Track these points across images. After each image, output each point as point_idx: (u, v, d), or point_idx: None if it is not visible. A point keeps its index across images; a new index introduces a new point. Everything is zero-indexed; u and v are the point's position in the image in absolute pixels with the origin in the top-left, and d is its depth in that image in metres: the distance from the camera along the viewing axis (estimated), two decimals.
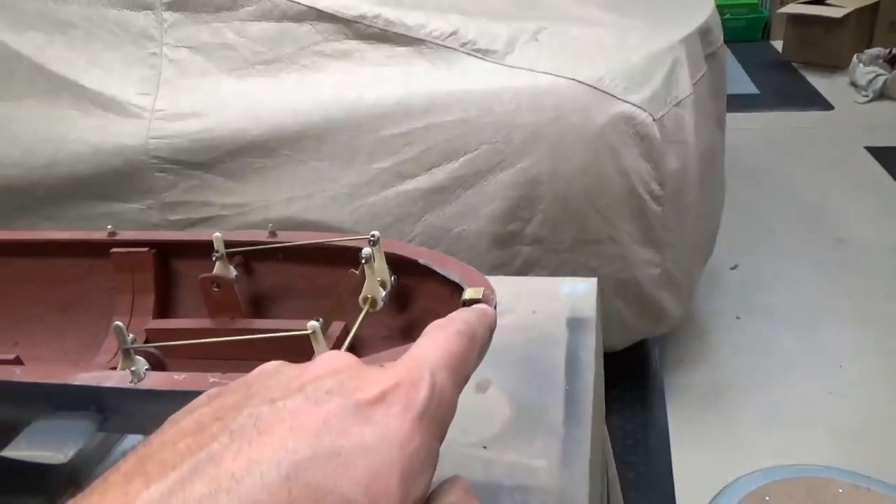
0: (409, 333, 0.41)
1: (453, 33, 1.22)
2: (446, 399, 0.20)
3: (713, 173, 1.52)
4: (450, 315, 0.24)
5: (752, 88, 3.38)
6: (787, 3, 3.60)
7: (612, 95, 1.16)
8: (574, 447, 0.39)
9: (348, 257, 0.40)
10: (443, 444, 0.19)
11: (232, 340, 0.35)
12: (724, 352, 1.65)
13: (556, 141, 1.15)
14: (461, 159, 1.17)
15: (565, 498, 0.36)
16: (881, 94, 3.09)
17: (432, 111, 1.17)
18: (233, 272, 0.44)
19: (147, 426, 0.20)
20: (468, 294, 0.32)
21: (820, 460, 0.75)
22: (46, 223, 1.27)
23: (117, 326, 0.32)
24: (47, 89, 1.26)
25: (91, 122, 1.24)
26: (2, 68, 1.27)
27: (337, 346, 0.38)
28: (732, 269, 1.95)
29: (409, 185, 1.19)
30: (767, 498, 0.66)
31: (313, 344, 0.31)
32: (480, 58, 1.21)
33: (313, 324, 0.31)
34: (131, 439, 0.43)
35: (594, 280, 0.54)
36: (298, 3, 1.23)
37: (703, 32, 1.42)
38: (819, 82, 3.36)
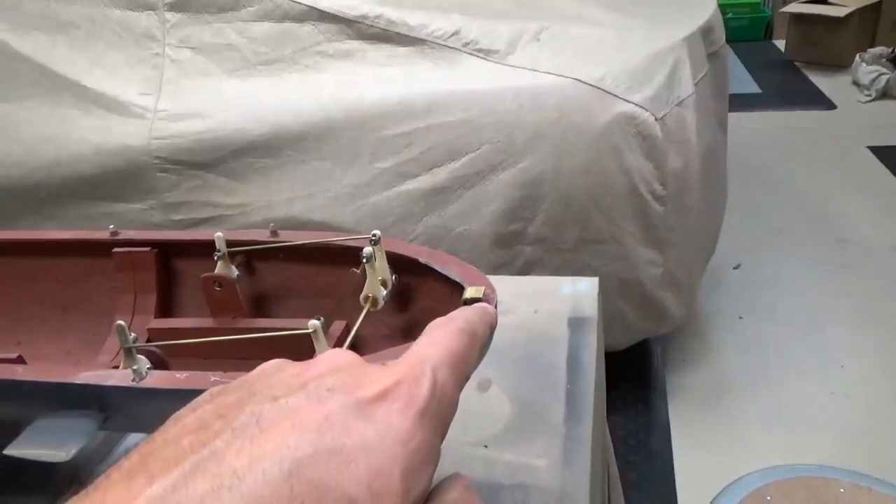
0: (410, 332, 0.41)
1: (455, 33, 1.22)
2: (447, 396, 0.20)
3: (715, 173, 1.52)
4: (451, 314, 0.24)
5: (754, 88, 3.38)
6: (790, 3, 3.60)
7: (614, 95, 1.16)
8: (575, 446, 0.39)
9: (349, 257, 0.40)
10: (443, 443, 0.19)
11: (233, 339, 0.35)
12: (726, 352, 1.65)
13: (558, 140, 1.15)
14: (463, 159, 1.17)
15: (566, 497, 0.36)
16: (884, 94, 3.08)
17: (434, 111, 1.17)
18: (234, 272, 0.44)
19: (149, 425, 0.20)
20: (469, 293, 0.32)
21: (821, 460, 0.75)
22: (49, 223, 1.28)
23: (119, 325, 0.32)
24: (50, 90, 1.26)
25: (93, 123, 1.24)
26: (4, 69, 1.28)
27: (338, 344, 0.38)
28: (735, 268, 1.95)
29: (411, 184, 1.19)
30: (769, 497, 0.66)
31: (314, 343, 0.31)
32: (482, 58, 1.21)
33: (314, 323, 0.31)
34: (133, 438, 0.43)
35: (595, 279, 0.54)
36: (300, 3, 1.23)
37: (705, 32, 1.42)
38: (822, 81, 3.36)
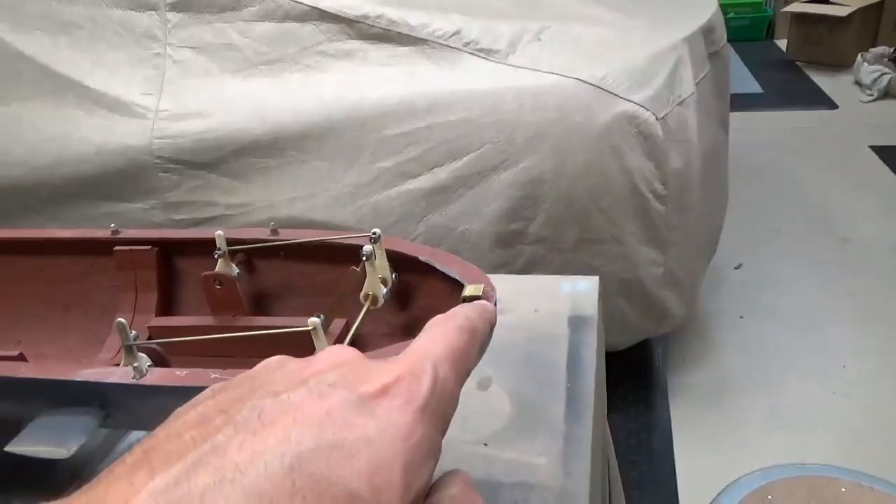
0: (410, 330, 0.41)
1: (456, 33, 1.22)
2: (448, 392, 0.20)
3: (716, 172, 1.52)
4: (450, 311, 0.24)
5: (756, 87, 3.37)
6: (792, 2, 3.59)
7: (615, 94, 1.16)
8: (575, 445, 0.39)
9: (350, 255, 0.40)
10: (443, 441, 0.19)
11: (233, 337, 0.35)
12: (727, 351, 1.65)
13: (558, 140, 1.15)
14: (464, 159, 1.17)
15: (566, 495, 0.36)
16: (886, 93, 3.08)
17: (435, 111, 1.17)
18: (235, 270, 0.44)
19: (150, 422, 0.21)
20: (468, 291, 0.32)
21: (823, 459, 0.75)
22: (50, 223, 1.28)
23: (120, 323, 0.32)
24: (52, 90, 1.27)
25: (95, 123, 1.24)
26: (7, 69, 1.28)
27: (338, 342, 0.38)
28: (736, 268, 1.95)
29: (412, 184, 1.19)
30: (770, 497, 0.66)
31: (314, 340, 0.31)
32: (483, 57, 1.21)
33: (314, 320, 0.31)
34: (135, 435, 0.43)
35: (596, 278, 0.54)
36: (301, 3, 1.23)
37: (707, 31, 1.42)
38: (823, 81, 3.35)
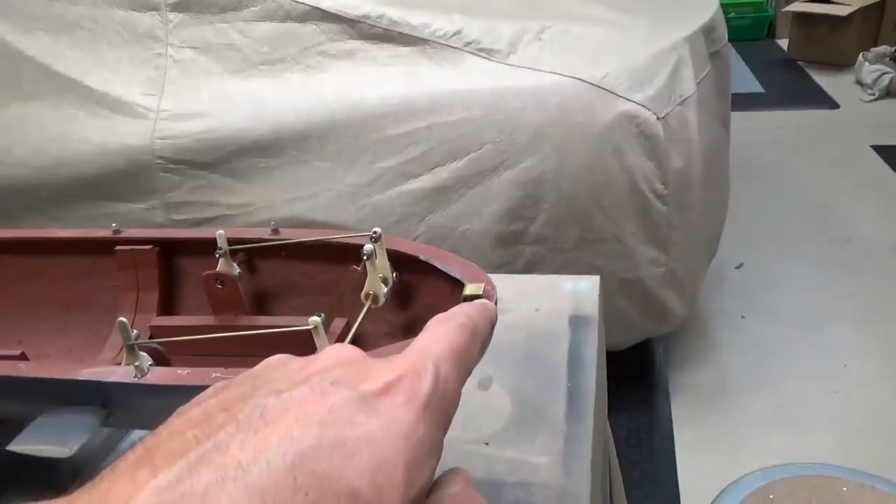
0: (411, 330, 0.41)
1: (457, 33, 1.22)
2: (450, 390, 0.20)
3: (717, 172, 1.52)
4: (451, 309, 0.24)
5: (757, 87, 3.37)
6: (793, 2, 3.59)
7: (616, 94, 1.16)
8: (576, 444, 0.39)
9: (350, 254, 0.40)
10: (444, 440, 0.19)
11: (234, 336, 0.35)
12: (728, 351, 1.65)
13: (559, 140, 1.15)
14: (465, 159, 1.17)
15: (567, 494, 0.36)
16: (887, 93, 3.08)
17: (436, 111, 1.17)
18: (236, 269, 0.44)
19: (151, 421, 0.21)
20: (469, 290, 0.32)
21: (824, 459, 0.75)
22: (52, 223, 1.28)
23: (121, 322, 0.32)
24: (53, 90, 1.27)
25: (96, 123, 1.25)
26: (8, 69, 1.28)
27: (339, 341, 0.38)
28: (737, 268, 1.94)
29: (413, 184, 1.19)
30: (771, 496, 0.66)
31: (315, 339, 0.31)
32: (484, 57, 1.21)
33: (315, 319, 0.31)
34: (137, 434, 0.43)
35: (597, 278, 0.54)
36: (302, 3, 1.23)
37: (708, 31, 1.41)
38: (825, 81, 3.35)
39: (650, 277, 1.28)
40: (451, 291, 0.36)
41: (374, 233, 0.38)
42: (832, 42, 3.46)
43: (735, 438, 1.40)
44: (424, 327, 0.23)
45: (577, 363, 0.45)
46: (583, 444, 0.39)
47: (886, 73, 3.09)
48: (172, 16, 1.27)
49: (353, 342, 0.33)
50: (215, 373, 0.30)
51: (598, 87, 1.16)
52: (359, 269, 0.38)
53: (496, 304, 0.30)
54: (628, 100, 1.16)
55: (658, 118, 1.17)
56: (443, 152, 1.18)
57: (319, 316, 0.32)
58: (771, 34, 4.13)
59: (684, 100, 1.23)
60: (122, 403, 0.33)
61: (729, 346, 1.66)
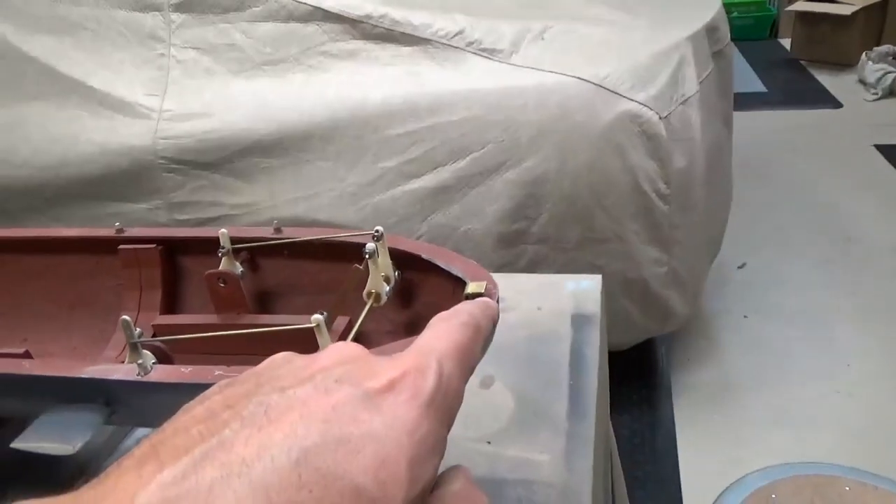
0: (413, 328, 0.41)
1: (459, 33, 1.22)
2: (453, 388, 0.20)
3: (720, 171, 1.52)
4: (454, 307, 0.24)
5: (759, 86, 3.36)
6: (795, 1, 3.58)
7: (618, 94, 1.16)
8: (578, 442, 0.39)
9: (353, 253, 0.40)
10: (447, 438, 0.19)
11: (237, 334, 0.35)
12: (731, 351, 1.65)
13: (561, 139, 1.15)
14: (467, 158, 1.17)
15: (569, 492, 0.36)
16: (890, 92, 3.07)
17: (438, 110, 1.17)
18: (239, 268, 0.44)
19: (154, 419, 0.21)
20: (471, 288, 0.32)
21: (827, 458, 0.74)
22: (55, 223, 1.28)
23: (124, 320, 0.32)
24: (56, 91, 1.27)
25: (99, 123, 1.25)
26: (12, 70, 1.28)
27: (341, 340, 0.39)
28: (740, 267, 1.94)
29: (415, 184, 1.20)
30: (773, 496, 0.65)
31: (317, 337, 0.32)
32: (486, 57, 1.21)
33: (317, 317, 0.31)
34: (139, 433, 0.43)
35: (599, 277, 0.54)
36: (305, 3, 1.23)
37: (710, 30, 1.41)
38: (827, 80, 3.34)
39: (652, 277, 1.28)
40: (453, 290, 0.36)
41: (376, 231, 0.38)
42: (835, 41, 3.45)
43: (737, 438, 1.40)
44: (427, 325, 0.23)
45: (578, 362, 0.45)
46: (584, 443, 0.39)
47: (889, 72, 3.08)
48: (175, 16, 1.27)
49: (356, 340, 0.34)
50: (218, 371, 0.30)
51: (601, 86, 1.16)
52: (361, 267, 0.38)
53: (498, 302, 0.30)
54: (630, 99, 1.16)
55: (660, 118, 1.17)
56: (445, 152, 1.18)
57: (322, 314, 0.32)
58: (774, 33, 4.12)
59: (687, 99, 1.23)
60: (125, 401, 0.33)
61: (731, 345, 1.66)
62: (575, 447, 0.38)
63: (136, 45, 1.27)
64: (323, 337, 0.32)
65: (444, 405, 0.19)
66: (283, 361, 0.21)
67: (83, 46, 1.28)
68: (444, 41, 1.21)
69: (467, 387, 0.21)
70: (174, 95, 1.25)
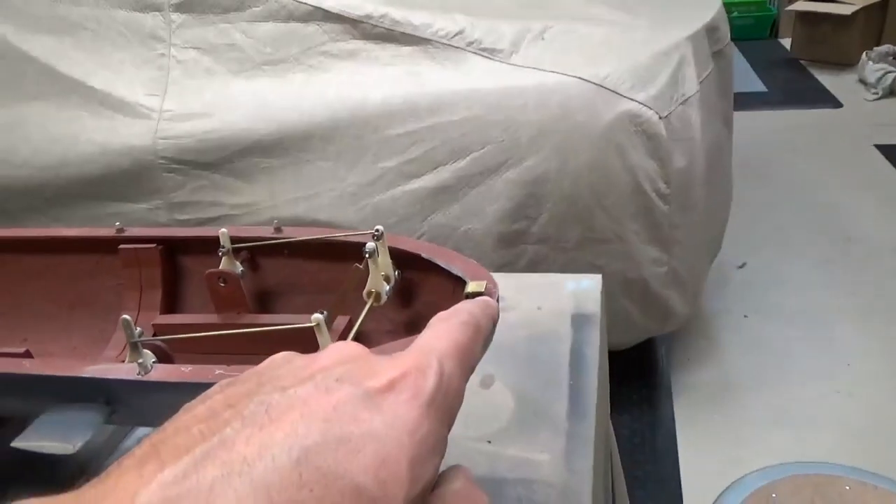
0: (413, 327, 0.41)
1: (459, 33, 1.22)
2: (454, 387, 0.20)
3: (720, 171, 1.52)
4: (454, 307, 0.24)
5: (760, 86, 3.36)
6: (796, 1, 3.58)
7: (618, 93, 1.16)
8: (578, 442, 0.39)
9: (353, 253, 0.40)
10: (448, 437, 0.19)
11: (237, 334, 0.35)
12: (731, 351, 1.65)
13: (562, 139, 1.15)
14: (467, 158, 1.17)
15: (569, 492, 0.36)
16: (890, 92, 3.07)
17: (438, 110, 1.17)
18: (239, 268, 0.44)
19: (155, 418, 0.21)
20: (471, 287, 0.32)
21: (827, 458, 0.74)
22: (55, 224, 1.28)
23: (125, 320, 0.32)
24: (56, 91, 1.27)
25: (100, 123, 1.25)
26: (12, 70, 1.28)
27: (341, 339, 0.39)
28: (740, 267, 1.94)
29: (415, 184, 1.20)
30: (774, 495, 0.65)
31: (317, 336, 0.32)
32: (486, 57, 1.21)
33: (317, 316, 0.31)
34: (140, 432, 0.43)
35: (599, 276, 0.54)
36: (305, 3, 1.23)
37: (710, 30, 1.41)
38: (828, 80, 3.34)
39: (652, 277, 1.28)
40: (453, 289, 0.36)
41: (377, 231, 0.38)
42: (835, 41, 3.45)
43: (737, 438, 1.40)
44: (427, 325, 0.23)
45: (579, 362, 0.45)
46: (585, 443, 0.39)
47: (890, 71, 3.08)
48: (175, 16, 1.27)
49: (356, 340, 0.34)
50: (218, 370, 0.30)
51: (601, 86, 1.16)
52: (361, 267, 0.38)
53: (498, 301, 0.30)
54: (631, 99, 1.16)
55: (660, 117, 1.17)
56: (445, 152, 1.18)
57: (322, 314, 0.32)
58: (774, 33, 4.12)
59: (687, 99, 1.23)
60: (125, 400, 0.33)
61: (731, 345, 1.66)
62: (575, 447, 0.38)
63: (136, 45, 1.27)
64: (323, 336, 0.32)
65: (445, 404, 0.19)
66: (283, 361, 0.21)
67: (83, 46, 1.28)
68: (444, 41, 1.22)
69: (467, 386, 0.21)
70: (174, 95, 1.25)
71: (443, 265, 0.37)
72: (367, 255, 0.37)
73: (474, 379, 0.41)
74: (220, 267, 0.43)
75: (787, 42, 3.83)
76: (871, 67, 3.13)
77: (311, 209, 1.23)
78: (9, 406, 0.36)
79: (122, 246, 0.46)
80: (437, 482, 0.20)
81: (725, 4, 1.57)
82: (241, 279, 0.44)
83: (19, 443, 0.31)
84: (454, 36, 1.22)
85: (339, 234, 0.42)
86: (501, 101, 1.16)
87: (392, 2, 1.25)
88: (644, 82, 1.18)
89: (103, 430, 0.42)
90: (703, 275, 1.53)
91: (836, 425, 1.41)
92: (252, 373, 0.20)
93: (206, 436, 0.17)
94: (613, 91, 1.16)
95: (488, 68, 1.20)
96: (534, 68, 1.19)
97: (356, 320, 0.36)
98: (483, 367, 0.41)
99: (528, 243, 1.22)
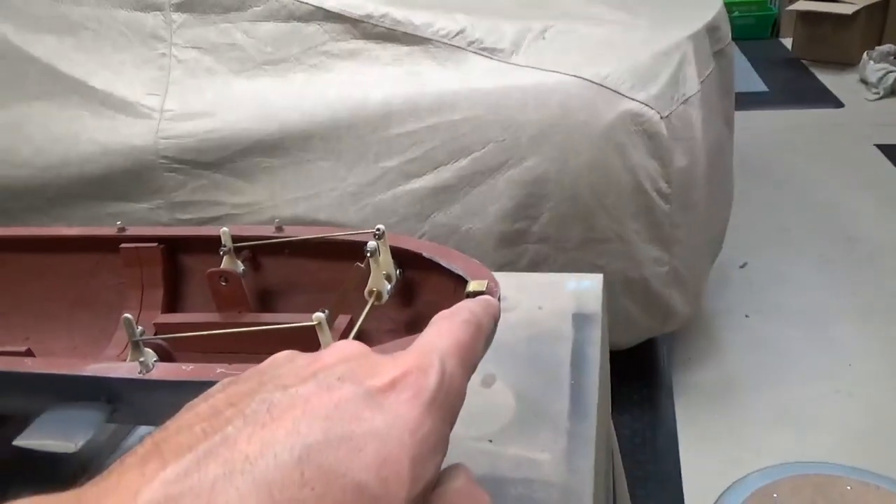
0: (414, 327, 0.41)
1: (460, 32, 1.22)
2: (455, 386, 0.20)
3: (721, 171, 1.52)
4: (455, 305, 0.24)
5: (761, 86, 3.36)
6: (797, 1, 3.58)
7: (619, 93, 1.16)
8: (579, 442, 0.39)
9: (354, 252, 0.40)
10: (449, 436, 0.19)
11: (239, 332, 0.35)
12: (732, 350, 1.65)
13: (562, 139, 1.15)
14: (468, 158, 1.17)
15: (570, 491, 0.36)
16: (892, 92, 3.06)
17: (439, 110, 1.17)
18: (240, 267, 0.44)
19: (156, 417, 0.21)
20: (472, 286, 0.32)
21: (828, 458, 0.74)
22: (56, 223, 1.28)
23: (126, 318, 0.32)
24: (58, 90, 1.27)
25: (101, 123, 1.25)
26: (13, 70, 1.29)
27: (342, 338, 0.39)
28: (741, 267, 1.94)
29: (416, 183, 1.20)
30: (775, 495, 0.65)
31: (319, 335, 0.32)
32: (487, 56, 1.21)
33: (319, 315, 0.31)
34: (141, 431, 0.43)
35: (600, 276, 0.54)
36: (306, 2, 1.23)
37: (711, 30, 1.41)
38: (829, 79, 3.34)
39: (654, 276, 1.28)
40: (455, 288, 0.36)
41: (378, 230, 0.38)
42: (836, 41, 3.45)
43: (739, 437, 1.40)
44: (429, 323, 0.23)
45: (580, 361, 0.45)
46: (586, 442, 0.39)
47: (891, 71, 3.07)
48: (176, 16, 1.27)
49: (357, 339, 0.34)
50: (220, 368, 0.30)
51: (602, 85, 1.16)
52: (362, 266, 0.38)
53: (499, 300, 0.30)
54: (631, 99, 1.16)
55: (661, 117, 1.17)
56: (446, 151, 1.18)
57: (323, 312, 0.32)
58: (775, 33, 4.12)
59: (688, 98, 1.23)
60: (127, 399, 0.33)
61: (733, 345, 1.66)
62: (576, 446, 0.38)
63: (137, 45, 1.28)
64: (324, 335, 0.32)
65: (447, 403, 0.19)
66: (285, 360, 0.21)
67: (84, 46, 1.28)
68: (445, 41, 1.22)
69: (469, 385, 0.21)
70: (175, 95, 1.25)
71: (444, 264, 0.37)
72: (368, 254, 0.37)
73: (475, 378, 0.41)
74: (222, 266, 0.43)
75: (788, 42, 3.82)
76: (873, 67, 3.13)
77: (311, 209, 1.23)
78: (10, 404, 0.36)
79: (123, 245, 0.46)
80: (438, 481, 0.20)
81: (726, 4, 1.57)
82: (242, 278, 0.44)
83: (21, 441, 0.31)
84: (455, 35, 1.22)
85: (340, 234, 0.42)
86: (502, 101, 1.16)
87: (393, 1, 1.25)
88: (645, 82, 1.18)
89: (105, 429, 0.42)
90: (705, 274, 1.53)
91: (836, 425, 1.41)
92: (254, 371, 0.20)
93: (209, 434, 0.17)
94: (614, 91, 1.16)
95: (489, 68, 1.20)
96: (535, 68, 1.19)
97: (357, 319, 0.36)
98: (484, 367, 0.41)
99: (529, 243, 1.22)
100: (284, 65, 1.25)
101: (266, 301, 0.46)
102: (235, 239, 0.44)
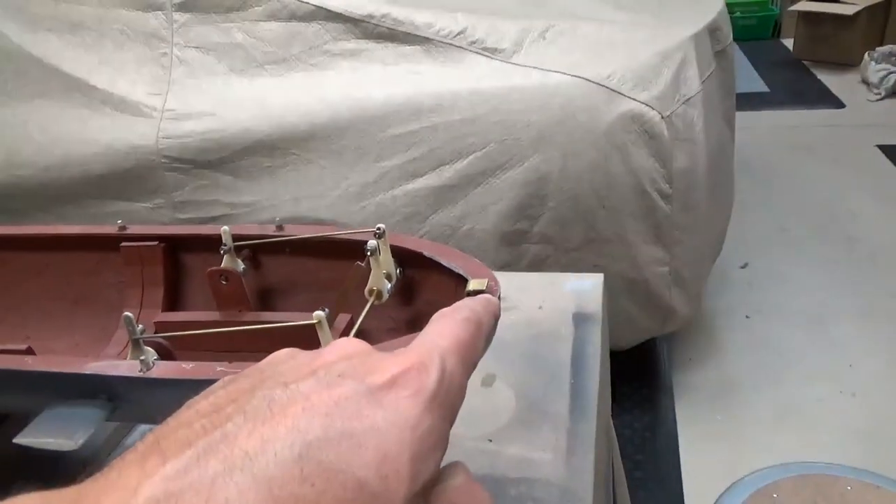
0: (414, 325, 0.41)
1: (461, 32, 1.22)
2: (455, 383, 0.20)
3: (722, 171, 1.52)
4: (456, 304, 0.24)
5: (762, 86, 3.36)
6: (798, 1, 3.58)
7: (620, 93, 1.16)
8: (579, 441, 0.39)
9: (354, 251, 0.40)
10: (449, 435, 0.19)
11: (239, 331, 0.35)
12: (733, 351, 1.64)
13: (564, 139, 1.15)
14: (469, 158, 1.17)
15: (570, 490, 0.36)
16: (893, 92, 3.06)
17: (440, 110, 1.17)
18: (241, 265, 0.44)
19: (156, 415, 0.21)
20: (472, 285, 0.32)
21: (828, 458, 0.74)
22: (57, 223, 1.28)
23: (127, 317, 0.32)
24: (59, 90, 1.27)
25: (102, 122, 1.25)
26: (15, 69, 1.29)
27: (343, 337, 0.39)
28: (742, 267, 1.94)
29: (417, 183, 1.20)
30: (775, 495, 0.65)
31: (319, 334, 0.32)
32: (488, 56, 1.21)
33: (319, 314, 0.31)
34: (141, 430, 0.43)
35: (600, 276, 0.54)
36: (307, 2, 1.23)
37: (713, 30, 1.41)
38: (830, 80, 3.34)
39: (654, 277, 1.28)
40: (455, 287, 0.36)
41: (378, 229, 0.38)
42: (838, 41, 3.45)
43: (739, 438, 1.40)
44: (430, 321, 0.23)
45: (580, 361, 0.45)
46: (586, 442, 0.39)
47: (892, 72, 3.07)
48: (178, 16, 1.27)
49: (357, 337, 0.34)
50: (220, 367, 0.30)
51: (603, 86, 1.16)
52: (362, 265, 0.38)
53: (499, 299, 0.30)
54: (633, 99, 1.16)
55: (663, 117, 1.17)
56: (447, 151, 1.18)
57: (323, 311, 0.32)
58: (776, 33, 4.12)
59: (689, 99, 1.23)
60: (127, 397, 0.33)
61: (733, 345, 1.66)
62: (576, 446, 0.38)
63: (138, 45, 1.28)
64: (324, 334, 0.32)
65: (447, 401, 0.19)
66: (286, 357, 0.21)
67: (86, 46, 1.28)
68: (446, 40, 1.22)
69: (468, 385, 0.21)
70: (177, 95, 1.25)
71: (444, 263, 0.37)
72: (368, 253, 0.37)
73: (475, 378, 0.41)
74: (222, 265, 0.43)
75: (789, 42, 3.82)
76: (874, 68, 3.13)
77: (312, 208, 1.23)
78: (11, 403, 0.36)
79: (124, 244, 0.46)
80: (437, 478, 0.20)
81: (728, 4, 1.57)
82: (242, 277, 0.44)
83: (22, 439, 0.31)
84: (456, 35, 1.22)
85: (340, 233, 0.42)
86: (503, 101, 1.16)
87: (394, 1, 1.25)
88: (646, 82, 1.18)
89: (105, 427, 0.42)
90: (705, 275, 1.53)
91: (837, 425, 1.41)
92: (254, 369, 0.20)
93: (209, 430, 0.17)
94: (616, 91, 1.16)
95: (490, 68, 1.20)
96: (536, 68, 1.19)
97: (358, 318, 0.36)
98: (484, 366, 0.41)
99: (530, 243, 1.22)
100: (285, 64, 1.25)
101: (266, 300, 0.46)
102: (236, 238, 0.44)
